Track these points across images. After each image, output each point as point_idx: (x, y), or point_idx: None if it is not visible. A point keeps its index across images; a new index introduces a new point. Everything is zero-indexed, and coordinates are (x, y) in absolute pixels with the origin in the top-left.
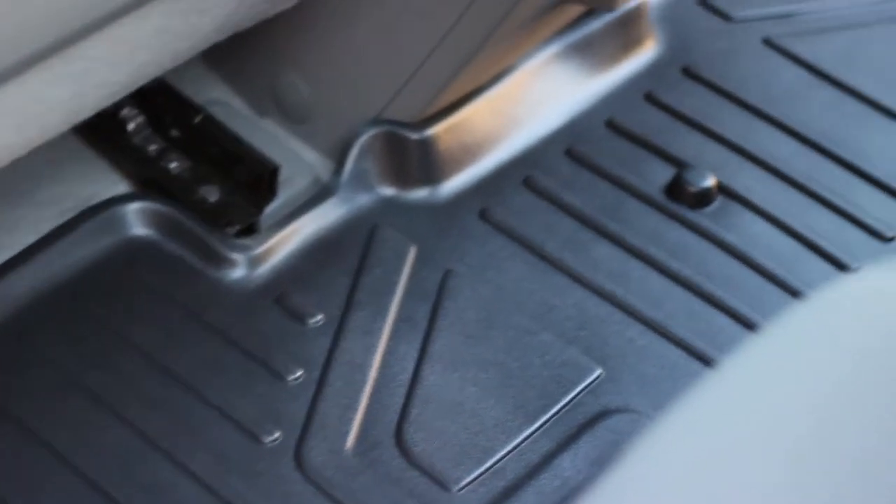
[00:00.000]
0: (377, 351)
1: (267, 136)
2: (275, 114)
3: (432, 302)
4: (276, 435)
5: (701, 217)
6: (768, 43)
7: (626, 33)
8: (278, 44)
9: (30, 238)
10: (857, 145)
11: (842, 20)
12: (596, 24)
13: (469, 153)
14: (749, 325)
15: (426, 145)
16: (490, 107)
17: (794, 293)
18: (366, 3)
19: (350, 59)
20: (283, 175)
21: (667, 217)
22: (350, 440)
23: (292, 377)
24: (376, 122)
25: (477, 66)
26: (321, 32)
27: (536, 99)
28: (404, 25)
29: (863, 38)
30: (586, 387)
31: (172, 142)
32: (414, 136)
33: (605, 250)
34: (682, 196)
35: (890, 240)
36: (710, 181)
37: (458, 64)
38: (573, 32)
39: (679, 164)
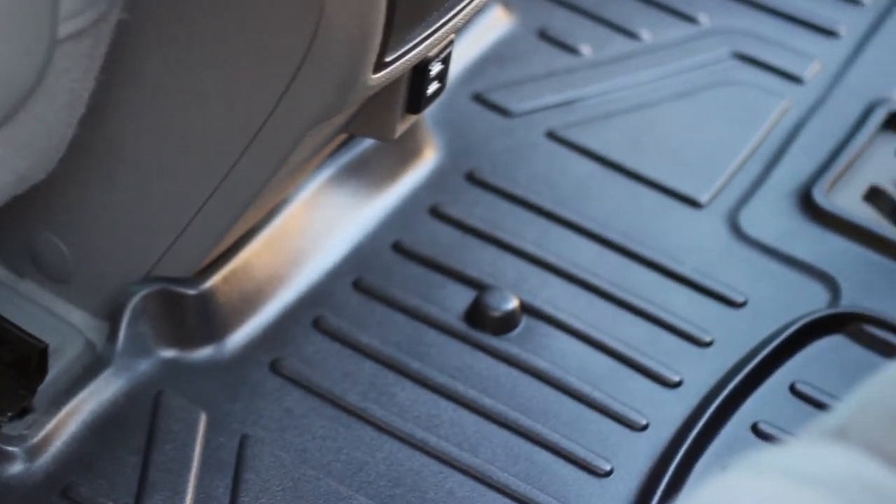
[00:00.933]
0: None
1: (27, 300)
2: (34, 274)
3: (232, 474)
4: None
5: (507, 343)
6: (552, 136)
7: (402, 145)
8: (31, 205)
9: None
10: (660, 240)
11: (625, 102)
12: (369, 140)
13: (252, 301)
14: (572, 460)
15: (204, 300)
16: (268, 247)
17: (615, 417)
18: (124, 165)
19: (111, 218)
20: (52, 345)
21: (471, 347)
22: None
23: None
24: (148, 280)
25: (253, 208)
26: (78, 194)
27: (316, 230)
28: (170, 183)
29: (649, 120)
30: None
31: None
32: (190, 291)
33: (410, 393)
34: (483, 322)
35: (708, 344)
36: (511, 303)
37: (234, 213)
38: (346, 152)
39: (477, 285)
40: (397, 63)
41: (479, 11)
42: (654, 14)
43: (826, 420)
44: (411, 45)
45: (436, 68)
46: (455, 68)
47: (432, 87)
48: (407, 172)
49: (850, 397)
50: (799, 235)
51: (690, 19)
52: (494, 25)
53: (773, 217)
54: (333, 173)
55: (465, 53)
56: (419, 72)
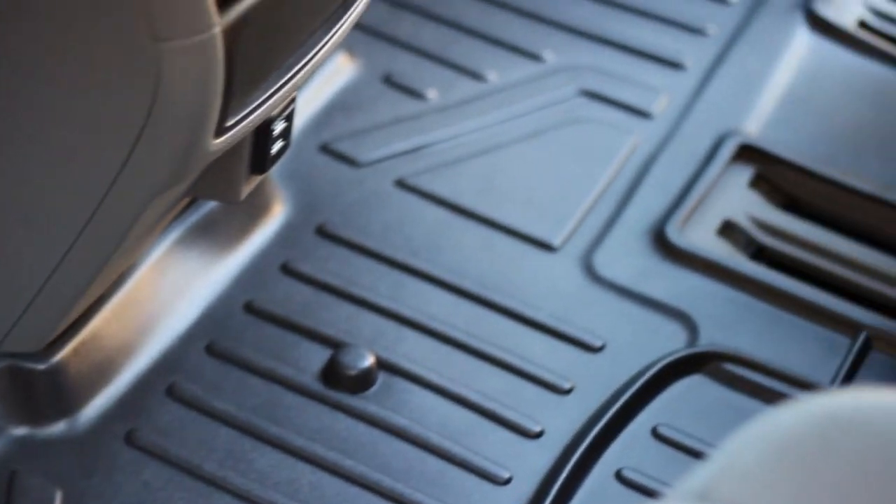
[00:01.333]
0: None
1: None
2: None
3: None
4: None
5: (365, 401)
6: (402, 184)
7: (249, 201)
8: None
9: None
10: (516, 287)
11: (474, 146)
12: None
13: (104, 372)
14: None
15: (55, 374)
16: (117, 315)
17: (478, 472)
18: None
19: None
20: None
21: (329, 408)
22: None
23: None
24: None
25: (101, 277)
26: None
27: (166, 295)
28: (14, 256)
29: (499, 163)
30: None
31: None
32: (39, 366)
33: (269, 458)
34: (340, 382)
35: (568, 392)
36: (367, 360)
37: (81, 284)
38: (193, 213)
39: (332, 343)
40: (239, 126)
41: None
42: (500, 54)
43: (688, 481)
44: (252, 107)
45: (279, 127)
46: (300, 119)
47: (276, 146)
48: (256, 229)
49: (713, 457)
50: (654, 274)
51: (536, 57)
52: (338, 73)
53: (627, 257)
54: (180, 235)
55: (309, 103)
56: (262, 132)
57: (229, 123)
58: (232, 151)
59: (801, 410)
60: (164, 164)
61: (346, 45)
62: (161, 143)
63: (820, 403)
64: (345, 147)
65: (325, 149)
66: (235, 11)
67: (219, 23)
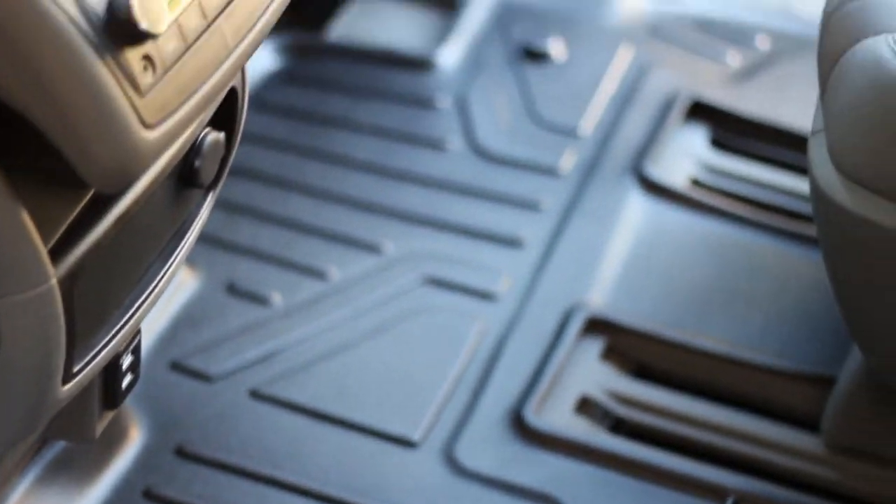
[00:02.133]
0: None
1: None
2: None
3: None
4: None
5: None
6: (257, 395)
7: (106, 430)
8: None
9: None
10: (380, 488)
11: (324, 347)
12: None
13: None
14: None
15: None
16: None
17: None
18: None
19: None
20: None
21: None
22: None
23: None
24: None
25: None
26: None
27: None
28: None
29: (350, 362)
30: None
31: None
32: None
33: None
34: None
35: None
36: None
37: None
38: (49, 449)
39: None
40: (86, 370)
41: None
42: (339, 249)
43: None
44: (98, 348)
45: (127, 361)
46: (147, 338)
47: (126, 380)
48: (115, 458)
49: None
50: (517, 460)
51: (375, 249)
52: (181, 287)
53: (488, 446)
54: (39, 474)
55: (155, 321)
56: (111, 368)
57: (76, 369)
58: (82, 392)
59: None
60: (14, 415)
61: (187, 256)
62: (9, 396)
63: None
64: (195, 362)
65: (176, 366)
66: (69, 260)
67: (53, 274)
